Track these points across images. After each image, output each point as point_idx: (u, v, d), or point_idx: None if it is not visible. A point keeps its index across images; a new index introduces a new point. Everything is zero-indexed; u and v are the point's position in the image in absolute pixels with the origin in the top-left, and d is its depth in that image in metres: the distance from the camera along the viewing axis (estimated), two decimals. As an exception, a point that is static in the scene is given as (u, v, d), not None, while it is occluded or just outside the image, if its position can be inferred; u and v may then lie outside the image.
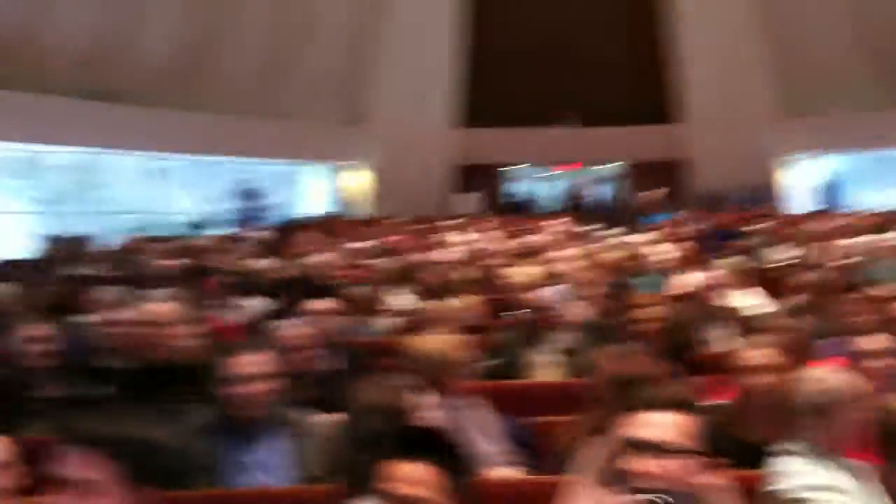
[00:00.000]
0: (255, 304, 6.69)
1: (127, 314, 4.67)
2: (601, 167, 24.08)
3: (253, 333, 5.35)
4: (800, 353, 4.18)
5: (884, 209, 16.35)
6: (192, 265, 8.20)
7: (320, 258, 8.58)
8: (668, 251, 8.80)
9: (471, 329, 5.18)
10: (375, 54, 21.17)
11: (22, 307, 5.72)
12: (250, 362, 3.37)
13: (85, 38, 16.67)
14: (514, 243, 10.96)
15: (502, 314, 6.51)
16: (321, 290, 5.74)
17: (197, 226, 16.66)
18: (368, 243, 11.51)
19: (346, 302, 5.88)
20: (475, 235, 12.80)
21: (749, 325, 4.97)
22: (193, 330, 4.62)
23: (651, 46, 21.59)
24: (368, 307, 6.46)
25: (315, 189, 22.93)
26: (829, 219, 14.26)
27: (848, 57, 19.50)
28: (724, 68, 20.45)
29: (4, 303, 6.27)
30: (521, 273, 7.20)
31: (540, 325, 5.37)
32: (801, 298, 5.70)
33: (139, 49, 17.59)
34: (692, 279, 7.74)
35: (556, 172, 24.28)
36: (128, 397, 3.85)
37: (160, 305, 4.49)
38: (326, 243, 11.75)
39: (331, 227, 16.59)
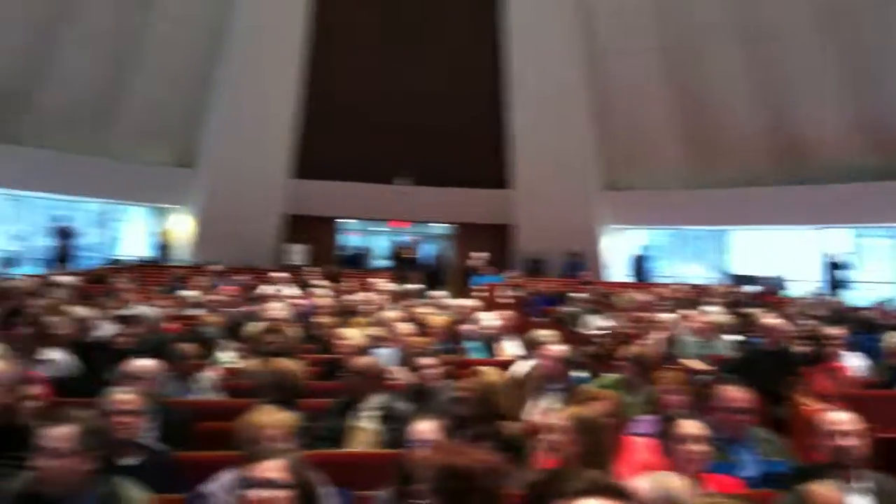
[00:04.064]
0: (61, 359, 6.31)
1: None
2: (431, 226, 24.45)
3: (65, 394, 5.07)
4: (618, 427, 4.35)
5: (696, 282, 17.48)
6: (6, 310, 7.66)
7: (142, 309, 8.20)
8: (492, 317, 8.94)
9: (297, 392, 5.07)
10: (210, 98, 20.76)
11: None
12: (60, 437, 3.19)
13: None
14: (342, 300, 10.87)
15: (330, 376, 6.42)
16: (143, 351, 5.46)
17: (6, 263, 15.67)
18: (193, 293, 11.15)
19: (170, 361, 5.65)
20: (301, 291, 12.63)
21: (573, 395, 5.00)
22: (22, 388, 4.32)
23: (488, 115, 22.21)
24: (193, 365, 6.23)
25: (135, 231, 22.13)
26: (646, 289, 14.99)
27: (667, 136, 20.77)
28: (554, 141, 21.28)
29: None
30: (349, 333, 7.11)
31: (363, 388, 5.28)
32: (620, 371, 5.86)
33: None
34: (514, 347, 7.95)
35: (389, 228, 24.46)
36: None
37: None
38: (146, 292, 11.33)
39: (149, 272, 16.07)
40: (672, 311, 10.09)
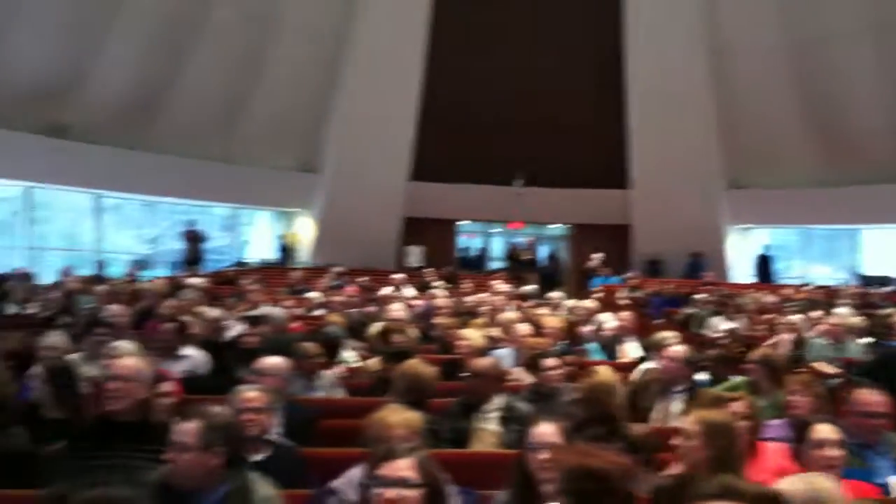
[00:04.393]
0: (196, 356, 6.58)
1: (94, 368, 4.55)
2: (547, 227, 24.35)
3: (197, 391, 5.27)
4: (750, 432, 4.25)
5: (823, 283, 16.86)
6: (140, 311, 8.05)
7: (268, 310, 8.48)
8: (611, 318, 8.85)
9: (422, 394, 5.12)
10: (332, 104, 21.21)
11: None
12: (188, 432, 3.32)
13: (39, 73, 16.57)
14: (462, 302, 10.95)
15: (450, 377, 6.47)
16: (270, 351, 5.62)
17: (139, 266, 16.42)
18: (316, 294, 11.44)
19: (296, 359, 5.80)
20: (421, 292, 12.77)
21: (698, 398, 4.90)
22: (152, 386, 4.53)
23: (605, 113, 21.91)
24: (318, 364, 6.38)
25: (261, 234, 22.83)
26: (771, 290, 14.56)
27: (794, 133, 20.09)
28: (673, 138, 20.81)
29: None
30: (468, 335, 7.16)
31: (484, 389, 5.29)
32: (749, 374, 5.72)
33: (94, 86, 17.49)
34: (634, 349, 7.84)
35: (505, 230, 24.48)
36: (80, 452, 3.75)
37: (125, 359, 4.37)
38: (272, 293, 11.67)
39: (274, 274, 16.55)
40: (800, 312, 9.76)
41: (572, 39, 21.64)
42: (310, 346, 6.25)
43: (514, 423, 4.89)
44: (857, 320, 8.70)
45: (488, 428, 5.09)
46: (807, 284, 16.41)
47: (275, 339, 7.03)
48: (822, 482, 3.00)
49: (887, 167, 18.93)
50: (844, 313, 8.97)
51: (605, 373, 4.97)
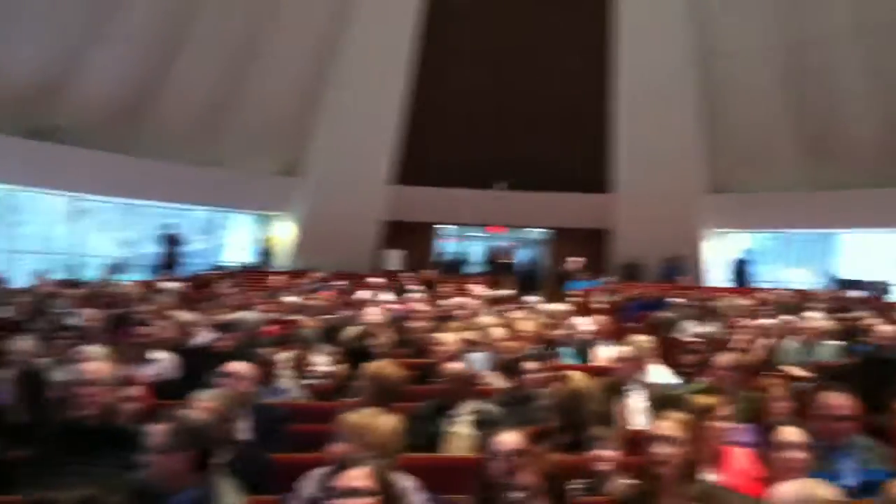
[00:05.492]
0: (167, 360, 6.55)
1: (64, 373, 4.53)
2: (527, 231, 24.39)
3: (166, 396, 5.25)
4: (718, 436, 4.27)
5: (799, 287, 16.98)
6: (114, 316, 8.00)
7: (242, 315, 8.45)
8: (587, 322, 8.87)
9: (394, 396, 5.13)
10: (317, 109, 21.21)
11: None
12: (156, 435, 3.33)
13: (27, 75, 16.50)
14: (437, 305, 10.94)
15: (424, 380, 6.47)
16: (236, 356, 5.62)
17: (115, 269, 16.32)
18: (291, 298, 11.40)
19: (264, 363, 5.79)
20: (398, 296, 12.76)
21: (666, 400, 4.94)
22: (124, 390, 4.51)
23: (589, 118, 21.98)
24: (288, 368, 6.37)
25: (240, 238, 22.76)
26: (747, 294, 14.64)
27: (778, 138, 20.20)
28: (658, 144, 20.89)
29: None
30: (444, 339, 7.15)
31: (455, 393, 5.31)
32: (718, 378, 5.74)
33: (78, 89, 17.46)
34: (609, 352, 7.86)
35: (486, 234, 24.51)
36: (48, 457, 3.74)
37: (94, 364, 4.35)
38: (248, 297, 11.63)
39: (252, 278, 16.50)
40: (774, 316, 9.82)
41: (558, 44, 21.70)
42: (282, 350, 6.24)
43: (488, 426, 4.89)
44: (828, 323, 8.76)
45: (461, 432, 5.09)
46: (782, 288, 16.50)
47: (247, 344, 7.02)
48: (820, 489, 3.01)
49: (869, 172, 19.01)
50: (816, 316, 9.04)
51: (579, 379, 4.98)
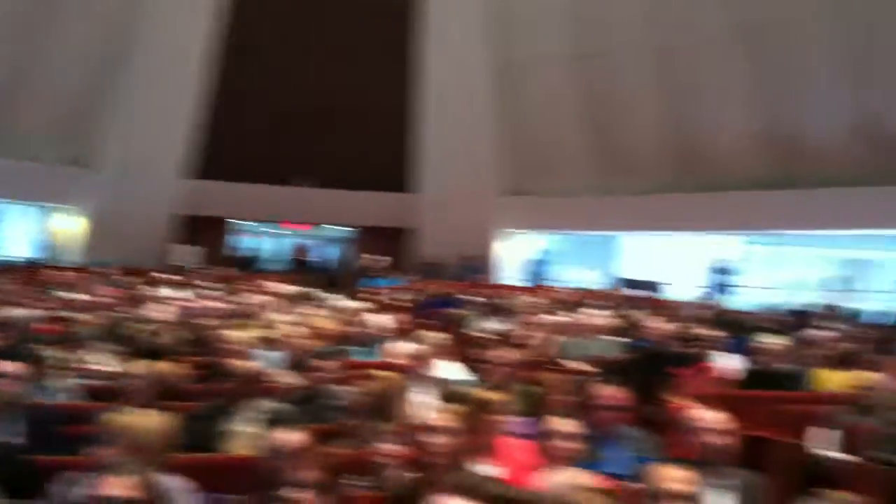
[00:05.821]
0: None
1: None
2: (331, 228, 24.30)
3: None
4: (494, 428, 4.39)
5: (583, 286, 17.85)
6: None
7: (14, 312, 7.90)
8: (384, 319, 8.92)
9: (173, 395, 4.97)
10: (110, 97, 20.20)
11: None
12: None
13: None
14: (231, 302, 10.69)
15: (210, 379, 6.29)
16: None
17: None
18: (73, 295, 10.77)
19: (37, 363, 5.46)
20: (189, 293, 12.35)
21: (448, 395, 5.04)
22: None
23: (395, 119, 22.18)
24: (62, 367, 6.02)
25: (21, 231, 21.38)
26: (536, 292, 15.23)
27: (571, 145, 21.07)
28: (460, 147, 21.41)
29: None
30: (235, 337, 6.98)
31: (245, 392, 5.21)
32: (502, 373, 5.91)
33: None
34: (402, 349, 7.94)
35: (284, 230, 24.22)
36: None
37: None
38: (27, 293, 10.90)
39: (34, 273, 15.52)
40: (552, 313, 10.28)
41: (367, 44, 21.78)
42: (56, 349, 5.91)
43: (275, 425, 4.83)
44: (603, 320, 9.25)
45: (244, 430, 4.99)
46: (566, 287, 17.27)
47: (19, 341, 6.60)
48: (579, 477, 3.13)
49: (659, 179, 20.07)
50: (591, 313, 9.53)
51: (383, 377, 5.03)
